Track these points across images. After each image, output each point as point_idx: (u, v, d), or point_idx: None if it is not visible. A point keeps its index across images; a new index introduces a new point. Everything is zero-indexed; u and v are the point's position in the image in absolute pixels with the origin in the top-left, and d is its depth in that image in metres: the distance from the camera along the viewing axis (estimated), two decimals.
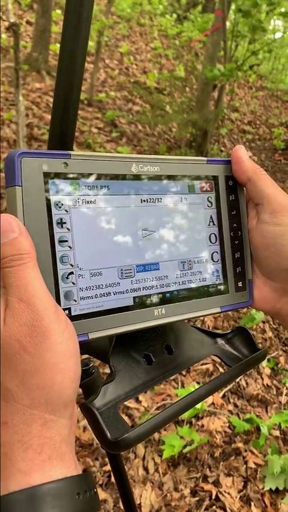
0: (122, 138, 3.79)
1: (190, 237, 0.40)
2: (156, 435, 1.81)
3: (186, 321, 0.41)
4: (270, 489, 1.76)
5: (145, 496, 1.60)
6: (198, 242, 0.41)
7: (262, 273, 0.42)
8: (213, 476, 1.73)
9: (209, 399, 2.04)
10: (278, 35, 10.41)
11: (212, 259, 0.42)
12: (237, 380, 2.21)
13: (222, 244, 0.42)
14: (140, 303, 0.37)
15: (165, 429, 1.85)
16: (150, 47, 7.14)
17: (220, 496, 1.69)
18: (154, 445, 1.78)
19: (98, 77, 4.79)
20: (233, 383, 2.20)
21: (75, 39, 0.43)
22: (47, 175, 0.32)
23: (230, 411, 2.04)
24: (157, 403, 1.93)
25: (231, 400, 2.12)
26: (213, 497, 1.67)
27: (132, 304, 0.37)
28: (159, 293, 0.38)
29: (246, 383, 2.23)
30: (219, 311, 0.42)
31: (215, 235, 0.42)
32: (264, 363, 2.40)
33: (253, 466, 1.82)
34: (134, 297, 0.37)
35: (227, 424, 1.95)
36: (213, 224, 0.42)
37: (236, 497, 1.71)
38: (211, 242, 0.42)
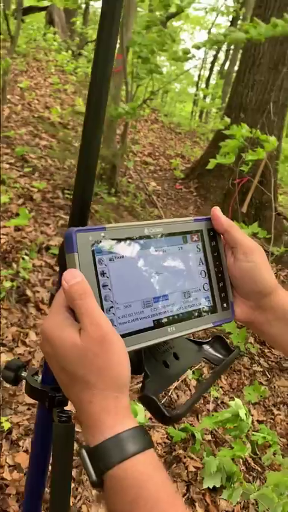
0: (34, 173, 3.88)
1: (187, 274, 0.57)
2: None
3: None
4: (209, 488, 1.95)
5: None
6: (193, 277, 0.58)
7: (240, 295, 0.60)
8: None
9: (147, 415, 2.20)
10: (164, 70, 11.27)
11: (204, 288, 0.59)
12: (169, 393, 2.40)
13: (210, 278, 0.59)
14: (158, 324, 0.53)
15: None
16: (48, 82, 7.32)
17: None
18: None
19: (3, 113, 4.83)
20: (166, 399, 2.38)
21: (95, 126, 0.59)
22: (92, 243, 0.48)
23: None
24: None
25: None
26: None
27: (153, 325, 0.53)
28: (170, 316, 0.55)
29: (177, 396, 2.43)
30: (211, 326, 0.59)
31: (204, 271, 0.59)
32: (190, 375, 2.63)
33: (193, 469, 2.01)
34: (153, 320, 0.53)
35: (166, 435, 2.12)
36: (202, 263, 0.59)
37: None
38: (202, 276, 0.58)
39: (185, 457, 2.05)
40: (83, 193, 0.59)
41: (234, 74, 12.29)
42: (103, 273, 0.48)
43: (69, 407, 0.65)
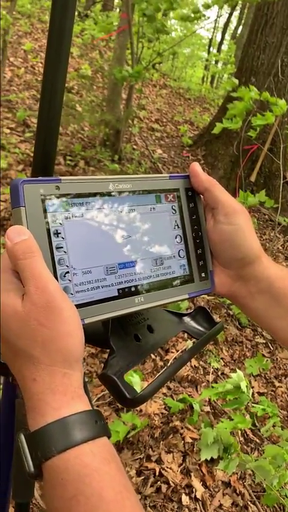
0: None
1: (160, 239, 0.50)
2: None
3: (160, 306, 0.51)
4: (206, 459, 1.93)
5: None
6: (166, 242, 0.51)
7: (220, 263, 0.53)
8: (155, 455, 1.87)
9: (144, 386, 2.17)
10: (173, 34, 10.85)
11: (179, 255, 0.52)
12: (168, 363, 2.37)
13: (187, 243, 0.52)
14: (123, 293, 0.46)
15: (107, 419, 1.94)
16: None
17: (163, 471, 1.83)
18: None
19: (4, 76, 4.68)
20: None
21: (55, 74, 0.51)
22: (44, 196, 0.40)
23: (165, 394, 2.19)
24: (97, 394, 2.01)
25: None
26: (157, 473, 1.80)
27: (117, 295, 0.46)
28: (137, 285, 0.48)
29: None
30: (187, 297, 0.52)
31: (180, 236, 0.52)
32: (190, 345, 2.59)
33: (190, 440, 1.99)
34: (118, 289, 0.46)
35: (163, 406, 2.10)
36: (178, 227, 0.52)
37: (177, 471, 1.87)
38: (177, 242, 0.52)
39: (182, 428, 2.03)
40: (44, 144, 0.53)
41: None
42: (57, 233, 0.41)
43: None
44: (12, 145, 3.43)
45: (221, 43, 16.86)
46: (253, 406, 2.18)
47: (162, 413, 2.06)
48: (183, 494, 1.77)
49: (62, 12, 0.49)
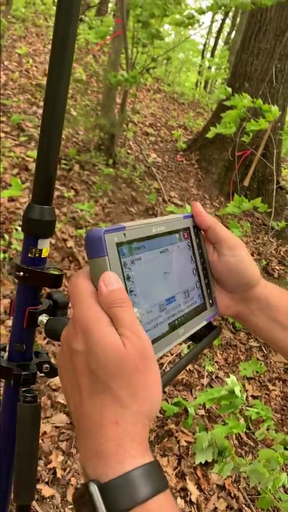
0: (30, 142, 3.78)
1: (184, 273, 0.54)
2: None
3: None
4: (201, 462, 1.94)
5: None
6: (188, 276, 0.54)
7: (227, 290, 0.58)
8: None
9: None
10: (167, 40, 10.92)
11: (196, 286, 0.55)
12: (163, 368, 2.37)
13: (199, 275, 0.56)
14: (172, 328, 0.49)
15: None
16: (48, 49, 7.09)
17: None
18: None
19: None
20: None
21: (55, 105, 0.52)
22: (118, 244, 0.42)
23: None
24: None
25: None
26: None
27: (168, 329, 0.48)
28: (179, 317, 0.51)
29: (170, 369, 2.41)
30: (206, 323, 0.56)
31: (195, 269, 0.56)
32: (185, 349, 2.61)
33: (185, 444, 2.00)
34: (168, 324, 0.48)
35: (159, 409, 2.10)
36: (193, 261, 0.55)
37: (172, 474, 1.87)
38: (193, 274, 0.55)
39: (177, 431, 2.04)
40: (46, 166, 0.55)
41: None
42: (128, 277, 0.43)
43: (36, 387, 0.60)
44: (7, 149, 3.43)
45: (214, 48, 16.99)
46: (247, 409, 2.20)
47: (157, 417, 2.06)
48: (179, 497, 1.78)
49: (66, 24, 0.51)
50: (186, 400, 2.24)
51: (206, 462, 1.95)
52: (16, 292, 0.59)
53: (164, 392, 2.26)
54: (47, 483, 1.63)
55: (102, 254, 0.40)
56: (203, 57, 16.21)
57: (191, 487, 1.86)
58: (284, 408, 2.63)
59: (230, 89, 2.96)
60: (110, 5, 11.64)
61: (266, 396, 2.63)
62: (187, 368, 2.46)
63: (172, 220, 0.52)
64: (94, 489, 0.33)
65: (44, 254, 0.58)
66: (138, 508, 0.32)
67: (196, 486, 1.88)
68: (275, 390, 2.72)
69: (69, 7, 0.50)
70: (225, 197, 4.82)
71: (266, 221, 4.53)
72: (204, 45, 17.07)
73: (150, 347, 0.38)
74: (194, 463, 1.93)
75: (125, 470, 0.33)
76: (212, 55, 16.33)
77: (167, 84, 10.25)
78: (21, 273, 0.57)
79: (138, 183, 4.20)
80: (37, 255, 0.57)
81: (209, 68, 15.56)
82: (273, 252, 4.18)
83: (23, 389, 0.59)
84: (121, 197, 3.91)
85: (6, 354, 0.62)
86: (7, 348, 0.64)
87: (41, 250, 0.57)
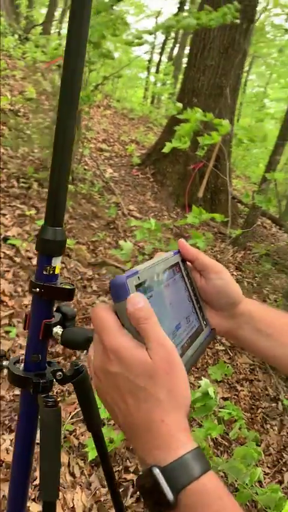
0: None
1: (183, 301, 0.61)
2: (76, 441, 1.93)
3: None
4: None
5: (77, 499, 1.71)
6: (185, 303, 0.62)
7: (217, 310, 0.66)
8: (132, 466, 1.92)
9: None
10: (116, 55, 11.14)
11: (192, 311, 0.63)
12: None
13: (193, 301, 0.63)
14: (182, 352, 0.56)
15: (82, 435, 1.98)
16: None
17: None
18: (76, 451, 1.89)
19: None
20: None
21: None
22: (137, 286, 0.49)
23: None
24: (71, 412, 2.04)
25: None
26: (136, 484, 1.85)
27: (181, 353, 0.55)
28: (186, 341, 0.58)
29: None
30: (205, 344, 0.63)
31: (189, 296, 0.63)
32: None
33: None
34: (180, 348, 0.55)
35: None
36: (186, 290, 0.63)
37: None
38: (189, 301, 0.63)
39: None
40: (57, 191, 0.61)
41: (185, 59, 12.32)
42: None
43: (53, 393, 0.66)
44: None
45: (159, 63, 17.43)
46: (220, 411, 2.30)
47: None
48: None
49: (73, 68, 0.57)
50: None
51: None
52: (32, 307, 0.65)
53: None
54: (33, 500, 1.64)
55: (126, 297, 0.47)
56: (148, 73, 16.60)
57: None
58: (253, 407, 2.76)
59: (180, 105, 3.11)
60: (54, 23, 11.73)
61: (236, 397, 2.74)
62: None
63: (167, 258, 0.60)
64: (157, 472, 0.40)
65: (57, 271, 0.64)
66: (195, 483, 0.40)
67: None
68: (243, 390, 2.84)
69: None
70: (182, 208, 4.98)
71: (222, 230, 4.72)
72: (149, 61, 17.49)
73: (174, 351, 0.46)
74: None
75: (179, 455, 0.41)
76: (157, 71, 16.76)
77: (116, 100, 10.43)
78: (37, 289, 0.62)
79: (97, 198, 4.27)
80: (51, 272, 0.63)
81: (155, 83, 15.95)
82: (230, 258, 4.36)
83: (43, 396, 0.64)
84: (82, 212, 3.96)
85: (22, 365, 0.68)
86: (21, 360, 0.69)
87: (54, 267, 0.63)
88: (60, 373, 0.68)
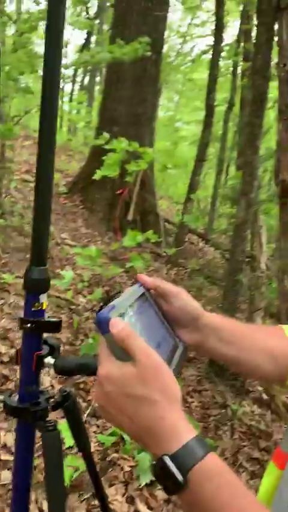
0: None
1: (156, 325, 0.68)
2: (41, 477, 1.91)
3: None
4: (146, 483, 2.06)
5: None
6: (159, 325, 0.68)
7: (182, 327, 0.73)
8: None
9: None
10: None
11: (166, 332, 0.69)
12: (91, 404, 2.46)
13: (163, 323, 0.70)
14: None
15: None
16: None
17: (110, 505, 1.91)
18: (43, 486, 1.88)
19: None
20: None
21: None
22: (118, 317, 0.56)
23: (95, 432, 2.28)
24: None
25: (92, 422, 2.36)
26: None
27: None
28: (166, 360, 0.60)
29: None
30: (184, 360, 0.70)
31: (161, 319, 0.70)
32: None
33: (128, 469, 2.10)
34: None
35: (97, 443, 2.18)
36: (156, 314, 0.70)
37: (123, 501, 1.96)
38: (162, 323, 0.69)
39: (118, 459, 2.13)
40: (40, 235, 0.68)
41: (97, 87, 12.62)
42: None
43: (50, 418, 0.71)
44: None
45: (72, 93, 17.70)
46: None
47: (98, 450, 2.14)
48: None
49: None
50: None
51: (151, 481, 2.08)
52: (23, 342, 0.70)
53: (98, 426, 2.35)
54: None
55: (109, 330, 0.54)
56: (62, 102, 16.77)
57: (142, 507, 1.97)
58: (205, 416, 2.88)
59: (107, 135, 3.26)
60: None
61: (187, 408, 2.85)
62: None
63: (135, 291, 0.67)
64: (167, 459, 0.48)
65: (44, 306, 0.71)
66: (199, 463, 0.48)
67: (146, 506, 1.99)
68: (194, 401, 2.96)
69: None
70: (114, 232, 5.10)
71: (154, 249, 4.90)
72: (62, 89, 17.67)
73: (156, 356, 0.53)
74: (140, 484, 2.05)
75: (184, 442, 0.49)
76: (71, 100, 17.01)
77: (33, 130, 10.42)
78: (29, 325, 0.69)
79: (29, 230, 4.25)
80: (40, 307, 0.69)
81: (69, 112, 16.14)
82: (165, 276, 4.53)
83: (42, 422, 0.70)
84: (14, 246, 3.93)
85: (17, 397, 0.72)
86: (14, 393, 0.74)
87: (42, 303, 0.70)
88: (52, 400, 0.74)
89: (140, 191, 4.83)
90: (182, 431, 0.50)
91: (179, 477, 0.47)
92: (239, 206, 3.22)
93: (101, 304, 0.58)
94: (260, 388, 3.40)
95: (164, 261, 4.27)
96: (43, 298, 0.69)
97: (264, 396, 3.27)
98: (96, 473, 0.87)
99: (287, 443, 0.64)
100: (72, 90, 17.80)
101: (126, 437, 2.27)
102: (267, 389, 3.18)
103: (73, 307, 3.44)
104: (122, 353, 0.53)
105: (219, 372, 3.39)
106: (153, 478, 1.98)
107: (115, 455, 2.13)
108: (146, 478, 2.10)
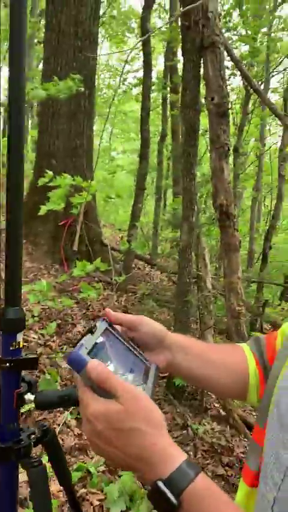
0: None
1: (125, 353, 0.72)
2: None
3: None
4: None
5: None
6: (128, 354, 0.73)
7: (151, 349, 0.79)
8: None
9: None
10: None
11: (135, 358, 0.74)
12: None
13: (131, 350, 0.74)
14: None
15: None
16: None
17: None
18: None
19: None
20: None
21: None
22: (88, 354, 0.60)
23: None
24: None
25: None
26: None
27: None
28: (141, 382, 0.68)
29: (62, 440, 2.47)
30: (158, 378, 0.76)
31: (127, 348, 0.74)
32: (69, 417, 2.69)
33: (97, 503, 2.08)
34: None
35: None
36: (123, 344, 0.74)
37: None
38: (130, 351, 0.74)
39: (87, 494, 2.10)
40: (13, 277, 0.71)
41: (30, 121, 12.65)
42: None
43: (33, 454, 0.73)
44: None
45: (4, 130, 17.55)
46: None
47: None
48: None
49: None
50: (85, 462, 2.32)
51: (122, 511, 2.07)
52: (2, 381, 0.73)
53: None
54: None
55: (84, 365, 0.58)
56: None
57: None
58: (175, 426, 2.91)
59: (51, 173, 3.30)
60: None
61: None
62: (77, 432, 2.55)
63: (101, 326, 0.72)
64: (161, 484, 0.52)
65: (21, 345, 0.73)
66: (192, 483, 0.52)
67: None
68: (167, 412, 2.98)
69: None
70: (60, 264, 5.08)
71: (102, 277, 4.93)
72: None
73: (135, 389, 0.58)
74: None
75: (176, 466, 0.53)
76: (3, 135, 16.84)
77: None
78: (7, 364, 0.71)
79: None
80: (17, 346, 0.72)
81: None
82: (116, 303, 4.57)
83: (26, 459, 0.71)
84: None
85: None
86: None
87: (19, 342, 0.73)
88: (33, 436, 0.76)
89: (84, 221, 4.88)
90: (175, 454, 0.54)
91: (173, 499, 0.51)
92: (182, 230, 3.35)
93: (76, 342, 0.62)
94: (217, 405, 3.49)
95: (114, 288, 4.31)
96: (20, 337, 0.72)
97: (222, 412, 3.36)
98: (79, 507, 0.89)
99: (252, 460, 0.68)
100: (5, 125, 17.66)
101: (93, 470, 2.25)
102: (224, 405, 3.27)
103: (25, 344, 3.37)
104: (103, 390, 0.57)
105: (177, 394, 3.45)
106: (124, 508, 1.98)
107: (83, 490, 2.10)
108: (117, 509, 2.09)
